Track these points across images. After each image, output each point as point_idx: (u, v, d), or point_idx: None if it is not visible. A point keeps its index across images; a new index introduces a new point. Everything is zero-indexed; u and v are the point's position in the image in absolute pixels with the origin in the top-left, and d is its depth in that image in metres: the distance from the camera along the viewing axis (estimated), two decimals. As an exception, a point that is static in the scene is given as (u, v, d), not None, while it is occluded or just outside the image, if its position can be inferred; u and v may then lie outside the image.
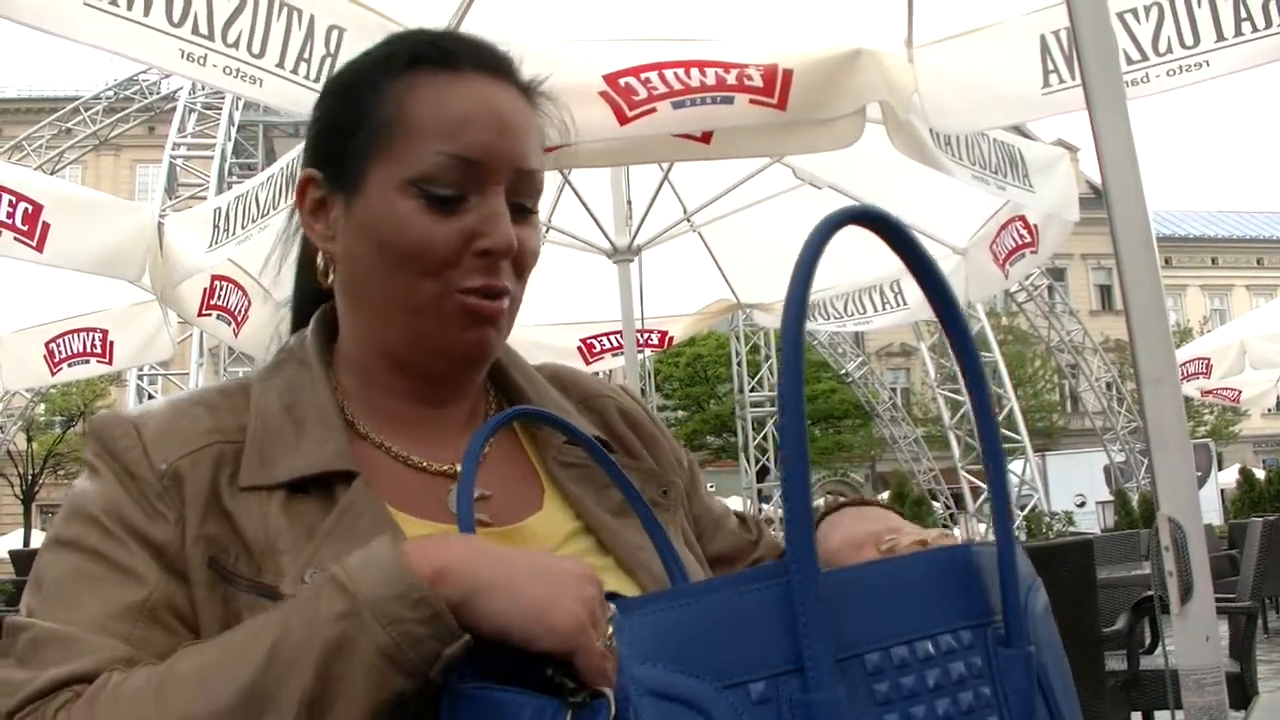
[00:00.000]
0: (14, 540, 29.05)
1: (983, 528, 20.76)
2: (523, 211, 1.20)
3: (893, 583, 0.87)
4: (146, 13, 3.02)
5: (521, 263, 1.20)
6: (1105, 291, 47.04)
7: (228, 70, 3.22)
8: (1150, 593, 4.90)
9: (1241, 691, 4.90)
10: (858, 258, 6.82)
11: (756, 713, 0.76)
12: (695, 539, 1.34)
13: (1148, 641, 5.45)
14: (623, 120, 3.67)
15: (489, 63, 1.21)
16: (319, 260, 1.25)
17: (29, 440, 31.88)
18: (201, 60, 3.17)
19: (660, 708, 0.74)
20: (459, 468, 1.14)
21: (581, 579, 0.93)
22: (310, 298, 1.30)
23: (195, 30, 3.13)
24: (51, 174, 19.70)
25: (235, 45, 3.21)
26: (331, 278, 1.24)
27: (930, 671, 0.84)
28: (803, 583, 0.79)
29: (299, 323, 1.32)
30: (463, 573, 0.93)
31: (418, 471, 1.20)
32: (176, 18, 3.09)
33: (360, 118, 1.19)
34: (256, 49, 3.26)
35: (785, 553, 0.81)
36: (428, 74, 1.18)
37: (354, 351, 1.24)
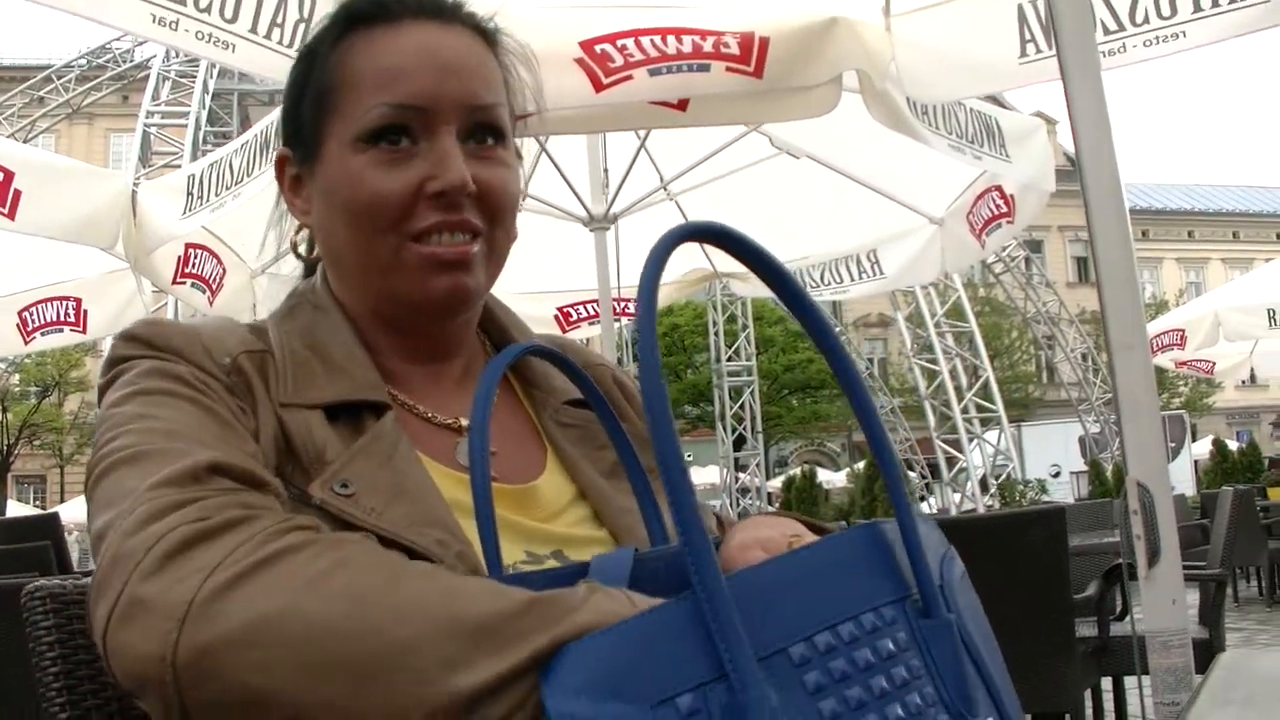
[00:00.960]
0: (-9, 509, 28.94)
1: (957, 497, 20.87)
2: (486, 149, 1.18)
3: (805, 572, 0.87)
4: (118, -24, 3.00)
5: (491, 203, 1.17)
6: (1082, 264, 47.18)
7: (200, 35, 3.20)
8: (1121, 560, 4.94)
9: (1209, 658, 4.94)
10: (834, 227, 6.87)
11: None
12: None
13: (1118, 608, 5.50)
14: (599, 87, 3.66)
15: (431, 8, 1.21)
16: (295, 236, 1.27)
17: (3, 411, 31.72)
18: (173, 25, 3.15)
19: None
20: (464, 422, 1.16)
21: None
22: (310, 271, 1.32)
23: (167, -7, 3.11)
24: (24, 143, 19.53)
25: (207, 10, 3.18)
26: (316, 252, 1.26)
27: (858, 652, 0.84)
28: (707, 590, 0.79)
29: None
30: None
31: (424, 422, 1.20)
32: (148, -19, 3.07)
33: (311, 87, 1.20)
34: (229, 14, 3.23)
35: (686, 557, 0.80)
36: (365, 30, 1.19)
37: (349, 313, 1.23)
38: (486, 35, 1.24)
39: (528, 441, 1.25)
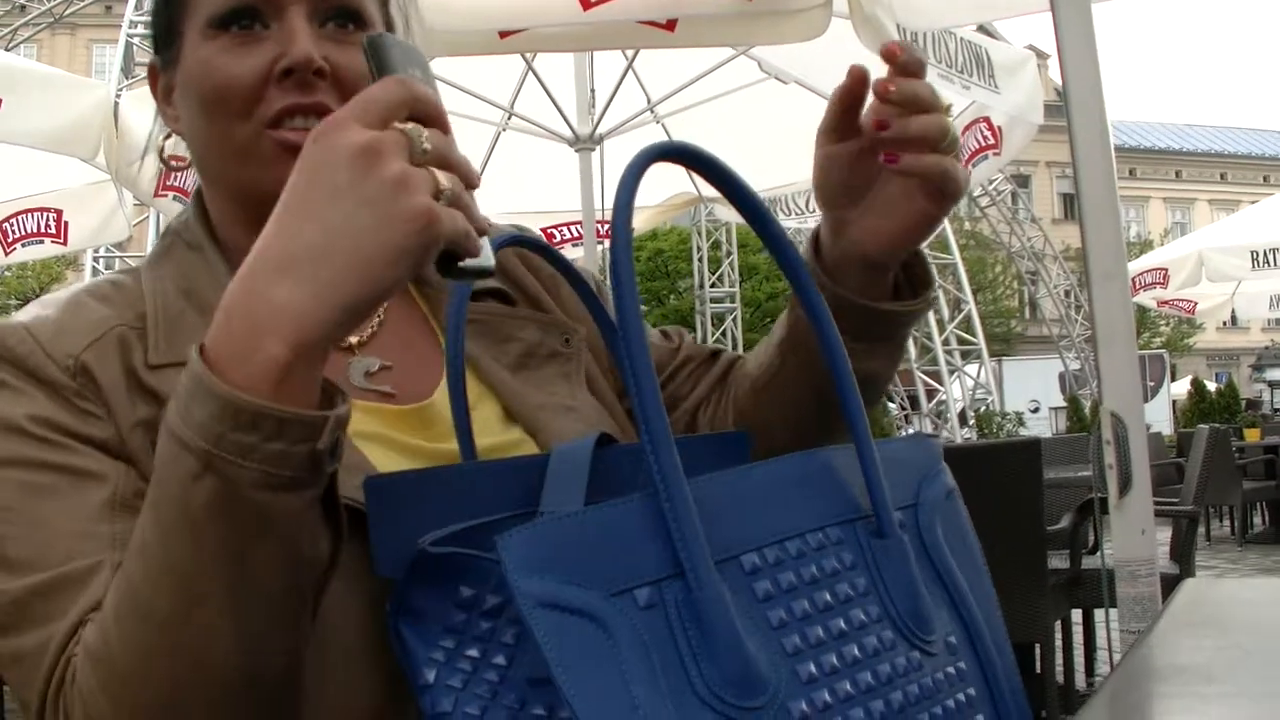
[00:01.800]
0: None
1: (931, 428, 20.98)
2: (345, 33, 1.12)
3: (757, 487, 0.89)
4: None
5: (348, 85, 1.09)
6: (1068, 200, 47.09)
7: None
8: (1094, 495, 4.98)
9: (1179, 591, 5.00)
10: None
11: (645, 617, 0.77)
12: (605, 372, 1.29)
13: (1091, 542, 5.55)
14: (586, 5, 3.62)
15: None
16: (164, 143, 1.21)
17: (-17, 321, 31.60)
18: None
19: (553, 618, 0.74)
20: (353, 340, 1.13)
21: (379, 169, 0.79)
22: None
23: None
24: (5, 52, 19.29)
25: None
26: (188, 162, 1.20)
27: (805, 568, 0.87)
28: (668, 489, 0.81)
29: None
30: (261, 319, 0.79)
31: None
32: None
33: None
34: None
35: (647, 457, 0.82)
36: None
37: (225, 232, 1.17)
38: None
39: (425, 349, 1.19)
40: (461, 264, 0.82)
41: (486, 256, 0.84)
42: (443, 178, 0.80)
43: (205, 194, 1.19)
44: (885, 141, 1.11)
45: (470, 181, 0.83)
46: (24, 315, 1.08)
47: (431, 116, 0.82)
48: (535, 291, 1.28)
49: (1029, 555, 4.27)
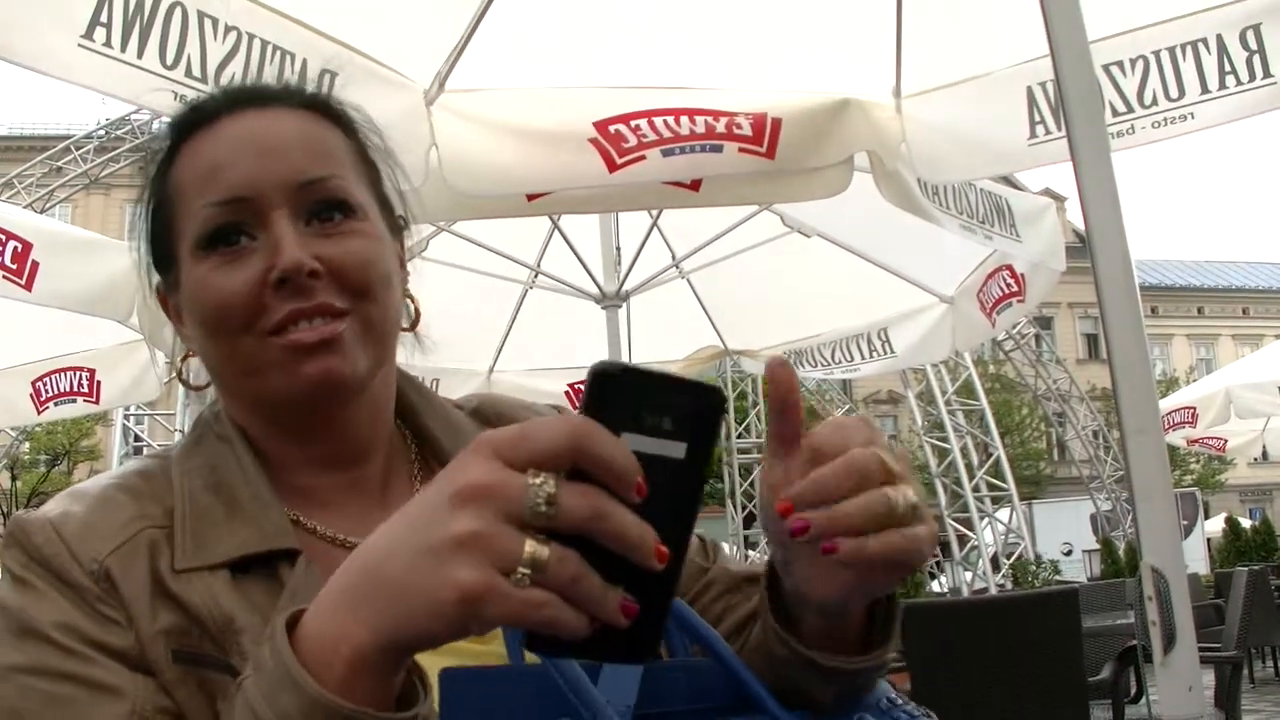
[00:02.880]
0: (-3, 579, 28.77)
1: (969, 576, 20.69)
2: (332, 225, 1.11)
3: None
4: (140, 55, 3.04)
5: (350, 279, 1.10)
6: (1092, 340, 47.17)
7: (220, 113, 3.23)
8: (1135, 642, 4.90)
9: (1227, 742, 4.89)
10: (844, 305, 6.88)
11: None
12: None
13: (1133, 691, 5.44)
14: (612, 167, 3.70)
15: (252, 98, 1.17)
16: (180, 364, 1.21)
17: (13, 479, 31.69)
18: (195, 103, 3.18)
19: None
20: None
21: (446, 528, 0.72)
22: None
23: (189, 73, 3.14)
24: (41, 212, 19.66)
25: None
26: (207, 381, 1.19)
27: None
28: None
29: None
30: (344, 620, 0.77)
31: (340, 548, 1.12)
32: (170, 60, 3.11)
33: (155, 211, 1.18)
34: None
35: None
36: (190, 139, 1.15)
37: (251, 430, 1.17)
38: (326, 111, 1.20)
39: None
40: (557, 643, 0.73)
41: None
42: (545, 550, 0.70)
43: (222, 398, 1.19)
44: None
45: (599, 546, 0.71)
46: (53, 509, 1.07)
47: (604, 475, 0.71)
48: None
49: (1071, 708, 4.19)
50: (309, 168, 1.12)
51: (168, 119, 1.20)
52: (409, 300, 1.21)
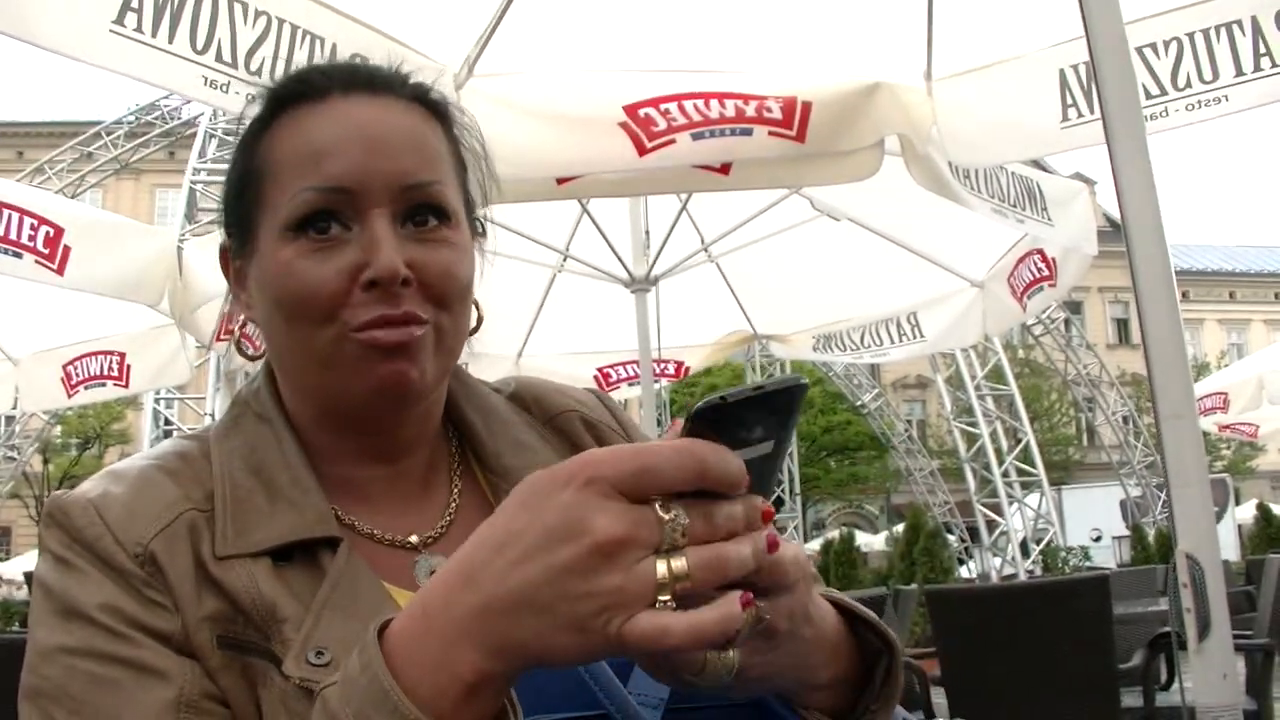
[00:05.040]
0: (30, 561, 29.08)
1: (998, 561, 20.65)
2: (427, 231, 1.10)
3: None
4: (171, 40, 3.05)
5: (434, 288, 1.08)
6: (1122, 325, 46.94)
7: (250, 97, 3.24)
8: (1167, 629, 4.87)
9: (1259, 730, 4.86)
10: (874, 290, 6.86)
11: None
12: None
13: (1164, 678, 5.41)
14: (642, 151, 3.69)
15: (363, 80, 1.14)
16: (237, 331, 1.19)
17: (45, 462, 31.96)
18: (224, 87, 3.19)
19: None
20: (414, 539, 1.10)
21: (581, 537, 0.72)
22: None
23: (219, 57, 3.15)
24: (72, 197, 19.81)
25: (258, 73, 3.22)
26: (263, 348, 1.17)
27: None
28: None
29: None
30: (452, 640, 0.76)
31: (376, 543, 1.11)
32: (200, 45, 3.12)
33: (242, 176, 1.14)
34: (280, 77, 3.28)
35: None
36: (291, 111, 1.12)
37: (295, 408, 1.15)
38: (432, 107, 1.17)
39: None
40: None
41: (718, 667, 0.75)
42: (680, 563, 0.72)
43: (277, 375, 1.17)
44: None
45: (719, 576, 0.73)
46: (92, 489, 1.06)
47: (720, 490, 0.74)
48: None
49: (1101, 694, 4.17)
50: (415, 170, 1.09)
51: (254, 92, 1.17)
52: (474, 304, 1.18)
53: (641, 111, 3.70)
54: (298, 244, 1.07)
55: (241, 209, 1.13)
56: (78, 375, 6.79)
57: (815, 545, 26.25)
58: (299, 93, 1.12)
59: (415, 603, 0.79)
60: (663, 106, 3.71)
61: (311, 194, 1.06)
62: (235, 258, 1.17)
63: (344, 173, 1.06)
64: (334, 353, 1.07)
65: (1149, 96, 3.83)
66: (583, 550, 0.71)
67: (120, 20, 2.93)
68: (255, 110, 1.16)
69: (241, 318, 1.18)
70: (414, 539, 1.11)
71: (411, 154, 1.10)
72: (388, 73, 1.16)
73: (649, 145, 3.69)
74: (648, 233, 6.26)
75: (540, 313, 7.10)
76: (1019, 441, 21.87)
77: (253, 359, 1.19)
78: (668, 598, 0.71)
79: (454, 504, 1.16)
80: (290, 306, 1.07)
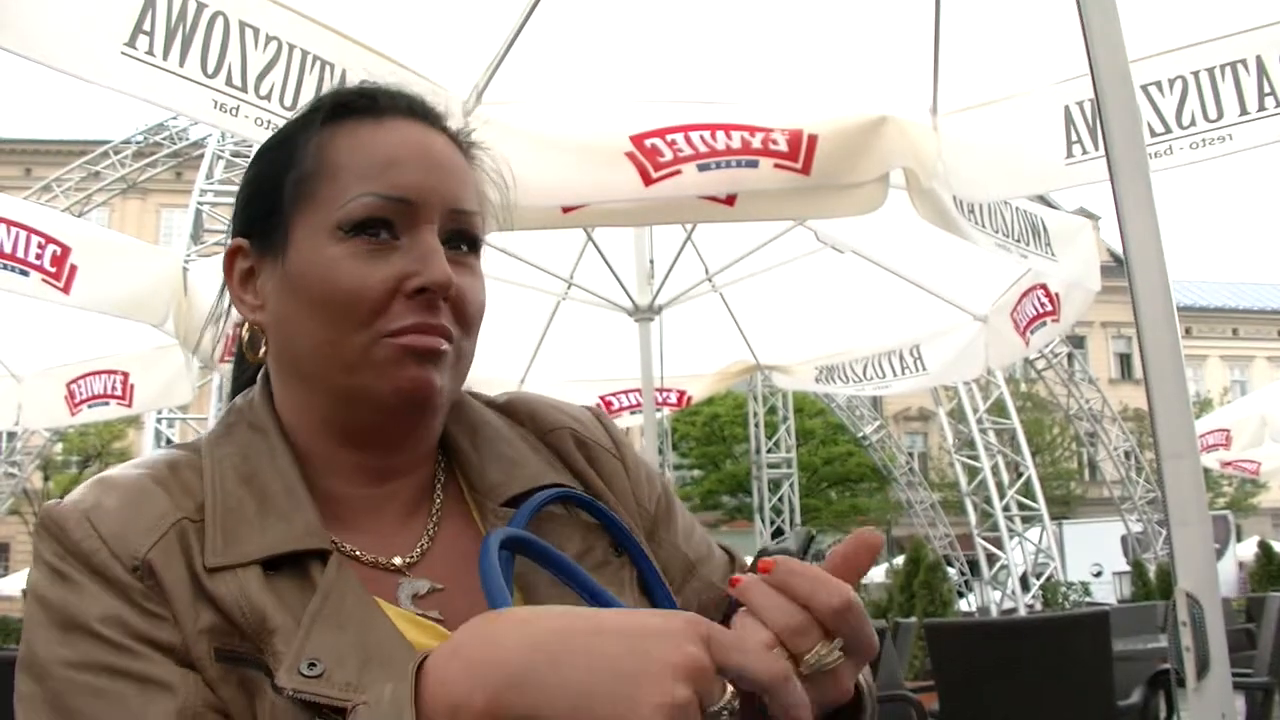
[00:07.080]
0: (28, 579, 28.96)
1: (998, 595, 20.58)
2: (462, 255, 1.14)
3: None
4: (182, 63, 3.06)
5: (463, 312, 1.13)
6: (1125, 360, 46.94)
7: (259, 121, 3.25)
8: (1167, 666, 4.85)
9: (1258, 770, 4.84)
10: (877, 322, 6.87)
11: None
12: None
13: (1163, 716, 5.39)
14: (648, 181, 3.70)
15: (417, 110, 1.19)
16: (244, 333, 1.19)
17: (46, 479, 31.93)
18: (234, 111, 3.20)
19: None
20: (397, 561, 1.11)
21: (668, 658, 0.81)
22: (249, 379, 1.23)
23: (229, 81, 3.16)
24: (79, 216, 19.86)
25: (268, 97, 3.24)
26: (263, 352, 1.17)
27: None
28: None
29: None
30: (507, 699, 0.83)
31: (360, 564, 1.11)
32: (210, 69, 3.13)
33: (284, 174, 1.15)
34: (289, 101, 3.29)
35: None
36: (350, 121, 1.16)
37: (292, 418, 1.16)
38: (465, 148, 1.22)
39: (476, 562, 1.10)
40: None
41: None
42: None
43: (278, 382, 1.17)
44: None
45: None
46: (84, 499, 1.05)
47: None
48: (596, 488, 1.25)
49: (1100, 732, 4.16)
50: (464, 197, 1.15)
51: (290, 115, 1.24)
52: None
53: (648, 142, 3.72)
54: (348, 244, 1.10)
55: (275, 205, 1.15)
56: (81, 394, 6.79)
57: (815, 576, 26.18)
58: (364, 106, 1.17)
59: (456, 648, 0.88)
60: (669, 137, 3.73)
61: (373, 199, 1.10)
62: (254, 257, 1.17)
63: (409, 185, 1.11)
64: (363, 356, 1.09)
65: (1153, 134, 3.83)
66: (666, 665, 0.81)
67: (132, 43, 2.94)
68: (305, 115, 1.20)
69: (232, 325, 1.21)
70: (397, 560, 1.12)
71: (460, 182, 1.16)
72: (435, 108, 1.21)
73: (655, 175, 3.70)
74: (652, 262, 6.28)
75: (543, 340, 7.11)
76: (1020, 475, 21.82)
77: (254, 358, 1.19)
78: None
79: (433, 523, 1.17)
80: (331, 306, 1.09)
